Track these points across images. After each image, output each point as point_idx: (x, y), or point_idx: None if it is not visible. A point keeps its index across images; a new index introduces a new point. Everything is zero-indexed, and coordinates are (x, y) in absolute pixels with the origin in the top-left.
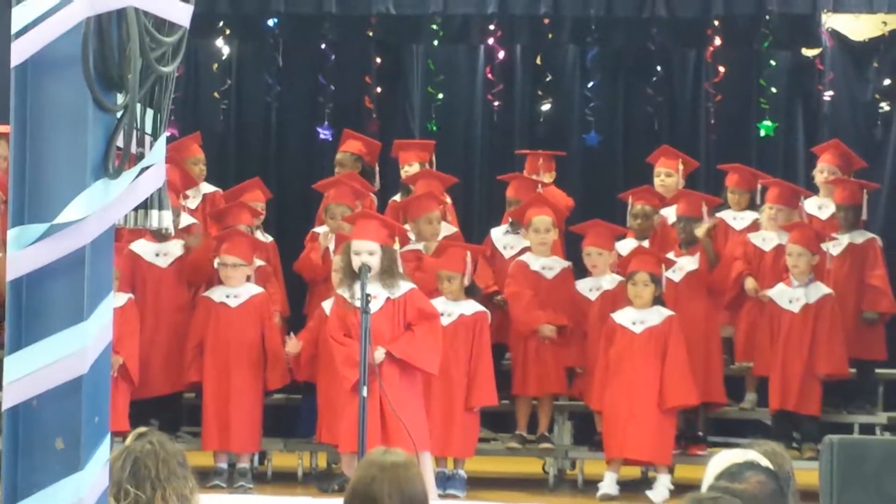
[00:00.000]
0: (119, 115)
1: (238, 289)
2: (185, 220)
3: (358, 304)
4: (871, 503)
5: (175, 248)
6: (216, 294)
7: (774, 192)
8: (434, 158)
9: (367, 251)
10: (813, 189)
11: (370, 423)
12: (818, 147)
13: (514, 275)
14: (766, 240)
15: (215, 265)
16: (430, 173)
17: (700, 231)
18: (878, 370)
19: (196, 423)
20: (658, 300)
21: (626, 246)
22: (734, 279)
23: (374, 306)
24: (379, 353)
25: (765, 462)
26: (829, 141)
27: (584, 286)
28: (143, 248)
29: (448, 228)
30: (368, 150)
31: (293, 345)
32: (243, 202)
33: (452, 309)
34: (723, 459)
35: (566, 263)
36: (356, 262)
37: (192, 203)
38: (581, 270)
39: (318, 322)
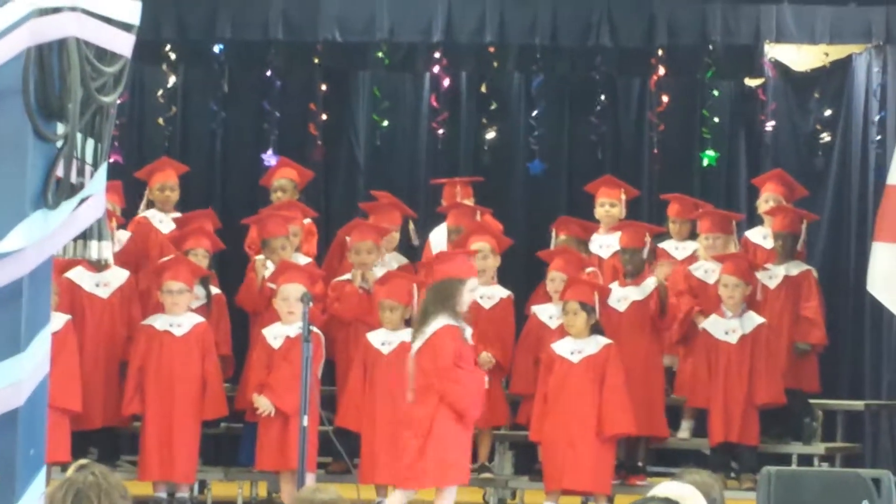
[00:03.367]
0: (59, 144)
1: (181, 317)
2: (122, 235)
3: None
4: None
5: (116, 278)
6: (158, 322)
7: (707, 222)
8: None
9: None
10: (756, 220)
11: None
12: (759, 178)
13: None
14: (709, 271)
15: (158, 294)
16: (387, 206)
17: (660, 274)
18: (814, 401)
19: (135, 452)
20: (596, 329)
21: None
22: (684, 315)
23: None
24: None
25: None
26: (770, 171)
27: (545, 313)
28: (82, 277)
29: (399, 259)
30: (299, 174)
31: (266, 405)
32: (204, 227)
33: (393, 338)
34: (660, 490)
35: (506, 293)
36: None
37: (165, 228)
38: (522, 301)
39: (261, 352)
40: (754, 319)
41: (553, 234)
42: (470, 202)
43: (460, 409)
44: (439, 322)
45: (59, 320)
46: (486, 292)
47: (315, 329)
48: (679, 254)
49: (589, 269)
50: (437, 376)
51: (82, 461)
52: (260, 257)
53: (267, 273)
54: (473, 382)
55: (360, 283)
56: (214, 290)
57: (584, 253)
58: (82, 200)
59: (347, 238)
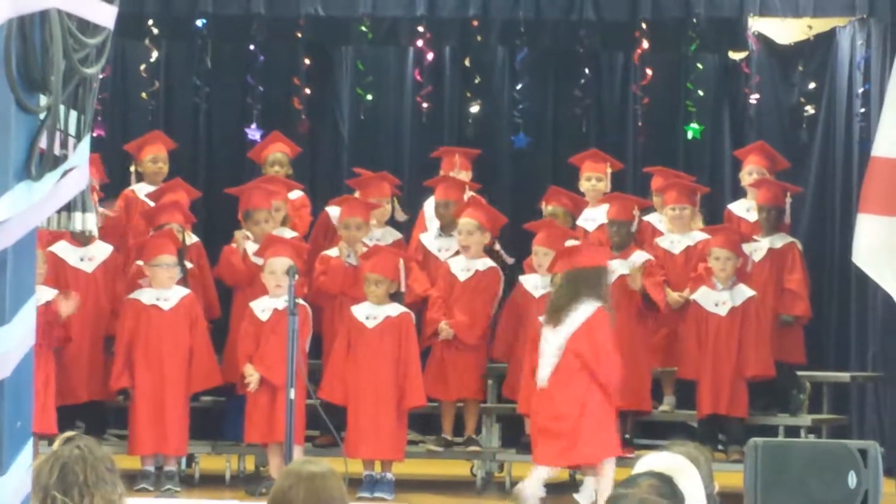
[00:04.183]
0: (42, 116)
1: (168, 291)
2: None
3: None
4: None
5: (100, 252)
6: (145, 296)
7: (674, 193)
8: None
9: None
10: (739, 192)
11: None
12: (741, 150)
13: (436, 278)
14: (675, 242)
15: (146, 269)
16: (375, 178)
17: (635, 284)
18: (800, 373)
19: (122, 425)
20: None
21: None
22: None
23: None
24: None
25: (680, 465)
26: (752, 143)
27: (531, 283)
28: (66, 251)
29: (393, 234)
30: (292, 150)
31: (255, 382)
32: (177, 201)
33: (377, 312)
34: (648, 462)
35: (486, 266)
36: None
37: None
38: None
39: (249, 325)
40: (745, 292)
41: (543, 206)
42: (467, 174)
43: (611, 389)
44: (592, 305)
45: (46, 294)
46: (465, 265)
47: (302, 302)
48: (664, 227)
49: (573, 243)
50: (594, 358)
51: (69, 434)
52: (241, 231)
53: (247, 245)
54: (620, 364)
55: (346, 258)
56: (188, 264)
57: (571, 226)
58: (66, 172)
59: (328, 211)
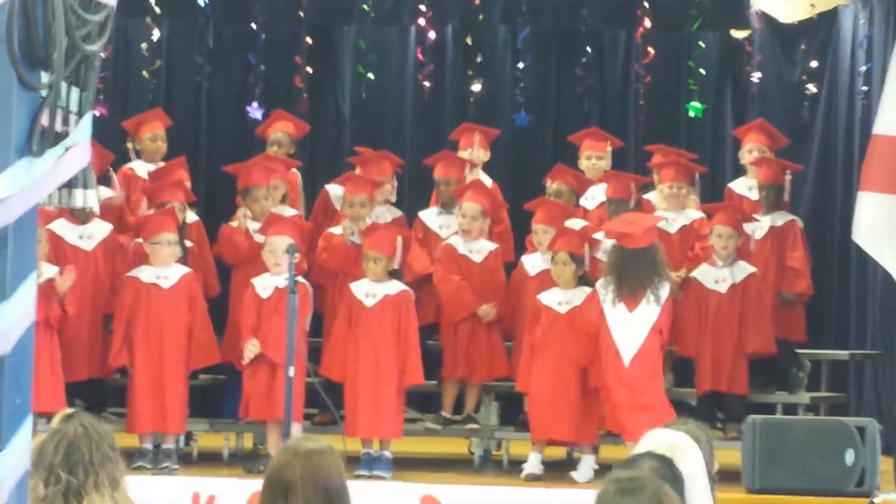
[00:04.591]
0: (44, 93)
1: (168, 269)
2: (105, 192)
3: None
4: (793, 482)
5: (99, 230)
6: (144, 274)
7: (671, 171)
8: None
9: None
10: (742, 171)
11: None
12: (740, 129)
13: (441, 259)
14: (670, 221)
15: (146, 246)
16: (377, 157)
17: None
18: (799, 350)
19: (121, 403)
20: (583, 280)
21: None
22: None
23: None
24: None
25: (679, 444)
26: (751, 122)
27: (529, 262)
28: (65, 229)
29: (394, 211)
30: (296, 126)
31: (249, 356)
32: (179, 180)
33: (376, 290)
34: (653, 438)
35: (493, 246)
36: None
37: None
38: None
39: (251, 302)
40: (746, 269)
41: (549, 183)
42: (486, 153)
43: None
44: (667, 282)
45: (48, 271)
46: (475, 246)
47: (302, 280)
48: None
49: (578, 222)
50: (668, 331)
51: (68, 410)
52: (242, 209)
53: (248, 223)
54: None
55: (350, 236)
56: (188, 243)
57: (575, 204)
58: (67, 149)
59: (328, 189)
